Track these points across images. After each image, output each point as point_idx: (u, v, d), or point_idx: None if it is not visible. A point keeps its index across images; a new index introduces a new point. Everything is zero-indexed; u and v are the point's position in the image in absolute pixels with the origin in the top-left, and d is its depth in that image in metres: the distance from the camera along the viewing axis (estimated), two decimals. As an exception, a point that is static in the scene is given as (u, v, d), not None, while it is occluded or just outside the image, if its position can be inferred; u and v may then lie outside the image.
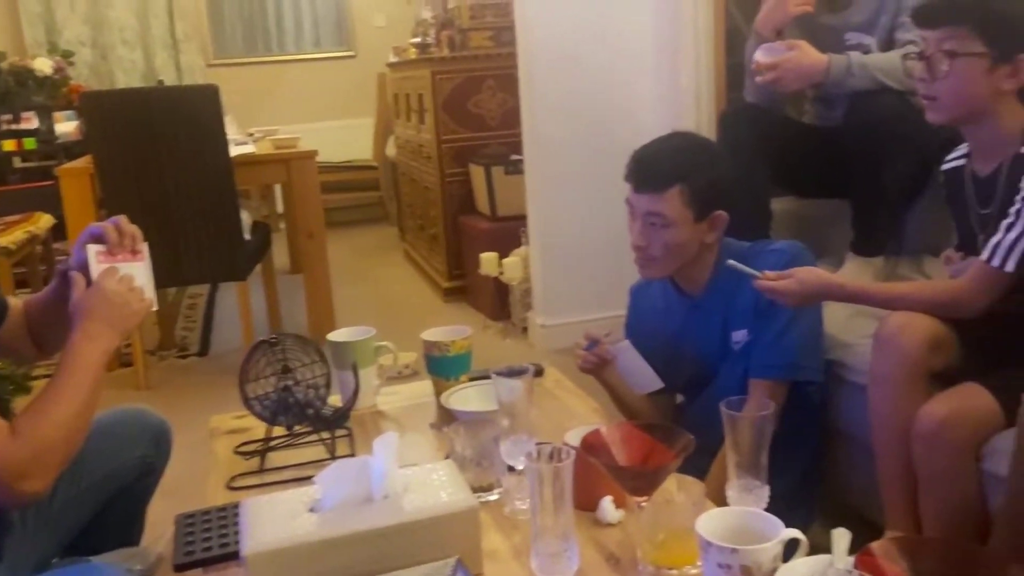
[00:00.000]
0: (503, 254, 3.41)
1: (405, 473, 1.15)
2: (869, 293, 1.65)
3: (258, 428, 1.53)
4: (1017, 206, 1.46)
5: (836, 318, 1.85)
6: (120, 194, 2.99)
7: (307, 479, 1.16)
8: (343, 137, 6.00)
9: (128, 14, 5.84)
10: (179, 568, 1.19)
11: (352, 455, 1.45)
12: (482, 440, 1.31)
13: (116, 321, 1.33)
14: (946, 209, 1.77)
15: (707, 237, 1.73)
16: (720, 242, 1.77)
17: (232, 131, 3.49)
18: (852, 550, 0.97)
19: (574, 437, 1.24)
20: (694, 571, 1.06)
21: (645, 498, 1.08)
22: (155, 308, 1.43)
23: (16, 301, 1.50)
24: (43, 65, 4.95)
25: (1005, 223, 1.47)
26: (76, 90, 4.77)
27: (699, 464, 1.44)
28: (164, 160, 2.97)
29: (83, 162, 3.30)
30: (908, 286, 1.79)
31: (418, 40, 4.35)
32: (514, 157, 3.56)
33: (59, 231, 3.68)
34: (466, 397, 1.59)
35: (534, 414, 1.37)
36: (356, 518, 1.07)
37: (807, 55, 2.04)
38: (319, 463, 1.39)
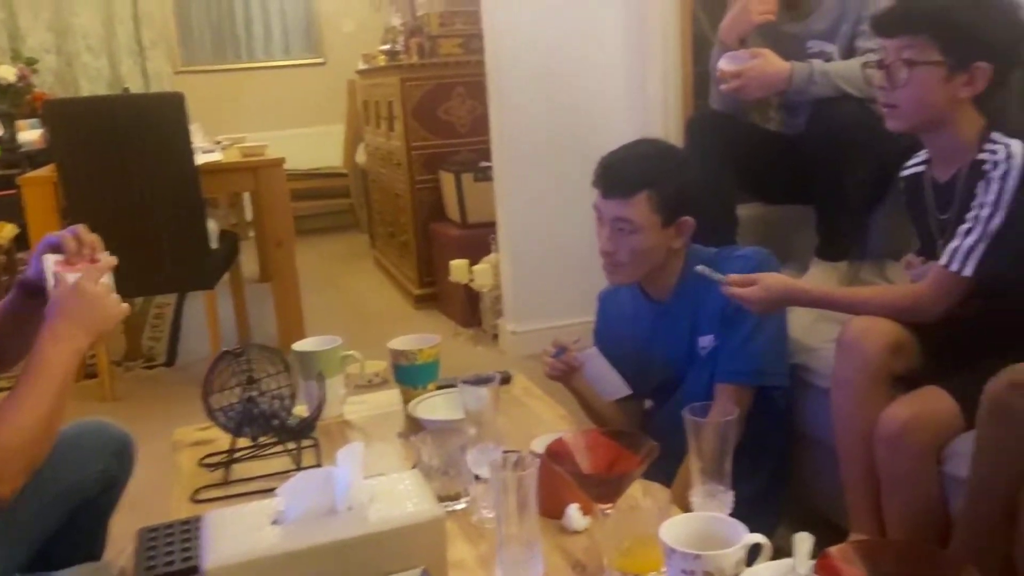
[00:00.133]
0: (473, 261, 3.41)
1: (371, 484, 1.14)
2: (833, 298, 1.68)
3: (223, 440, 1.52)
4: (974, 212, 1.48)
5: (800, 323, 1.87)
6: (85, 203, 2.95)
7: (273, 491, 1.15)
8: (313, 144, 5.96)
9: (93, 21, 5.75)
10: (141, 583, 1.17)
11: (318, 466, 1.44)
12: (449, 449, 1.31)
13: (89, 323, 1.30)
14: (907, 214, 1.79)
15: (674, 243, 1.75)
16: (687, 248, 1.78)
17: (199, 139, 3.45)
18: (816, 554, 0.98)
19: (540, 445, 1.23)
20: (659, 577, 1.06)
21: (610, 505, 1.08)
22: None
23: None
24: (6, 72, 4.86)
25: (963, 228, 1.49)
26: (40, 98, 4.69)
27: (668, 470, 1.45)
28: (129, 168, 2.94)
29: (47, 171, 3.24)
30: (870, 291, 1.82)
31: (387, 47, 4.35)
32: (484, 164, 3.56)
33: (22, 241, 3.61)
34: (433, 406, 1.58)
35: (501, 422, 1.37)
36: (319, 530, 1.06)
37: (770, 63, 2.06)
38: (285, 474, 1.37)
